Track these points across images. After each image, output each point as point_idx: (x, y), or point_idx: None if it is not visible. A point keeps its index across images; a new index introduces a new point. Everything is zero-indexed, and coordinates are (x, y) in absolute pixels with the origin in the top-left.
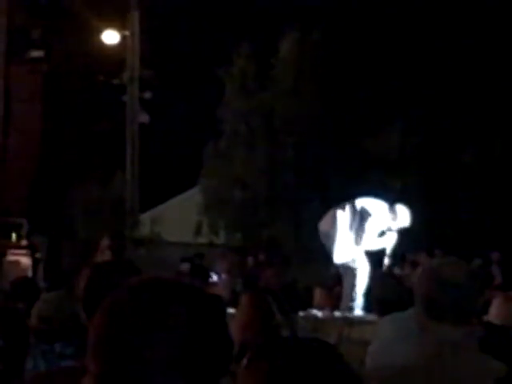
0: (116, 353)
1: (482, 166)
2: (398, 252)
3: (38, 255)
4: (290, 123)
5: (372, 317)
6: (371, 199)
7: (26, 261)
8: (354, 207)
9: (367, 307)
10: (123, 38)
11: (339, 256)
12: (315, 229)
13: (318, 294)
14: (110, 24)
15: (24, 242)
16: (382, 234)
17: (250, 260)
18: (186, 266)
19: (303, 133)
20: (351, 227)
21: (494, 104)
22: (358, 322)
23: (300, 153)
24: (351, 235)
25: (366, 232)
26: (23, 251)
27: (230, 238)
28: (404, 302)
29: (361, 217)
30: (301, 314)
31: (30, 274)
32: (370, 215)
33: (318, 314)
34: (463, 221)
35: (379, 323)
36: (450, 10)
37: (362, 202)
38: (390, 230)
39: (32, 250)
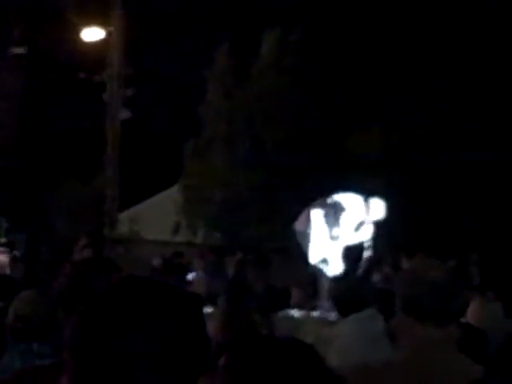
0: (92, 352)
1: (460, 167)
2: (377, 254)
3: (16, 253)
4: (270, 123)
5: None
6: (345, 194)
7: (3, 258)
8: (327, 203)
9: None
10: (105, 35)
11: (314, 255)
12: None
13: (295, 293)
14: (92, 21)
15: (2, 240)
16: (358, 227)
17: (229, 260)
18: (158, 262)
19: (283, 132)
20: (326, 223)
21: (474, 102)
22: (337, 322)
23: (280, 153)
24: (326, 231)
25: (342, 227)
26: (1, 249)
27: (209, 238)
28: (365, 303)
29: (335, 212)
30: (279, 314)
31: (7, 271)
32: (344, 209)
33: (296, 313)
34: (442, 221)
35: (338, 325)
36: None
37: (335, 197)
38: (365, 223)
39: (10, 247)
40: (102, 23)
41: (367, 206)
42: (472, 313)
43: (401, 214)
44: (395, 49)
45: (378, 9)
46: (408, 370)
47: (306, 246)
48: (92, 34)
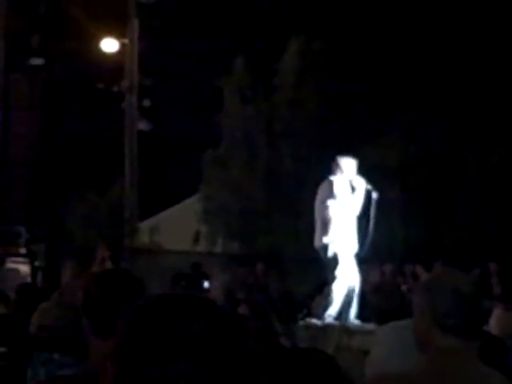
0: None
1: (482, 175)
2: (397, 263)
3: (36, 263)
4: (289, 132)
5: (370, 326)
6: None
7: (24, 269)
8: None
9: (361, 315)
10: (122, 45)
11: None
12: (313, 239)
13: (316, 303)
14: (110, 32)
15: (23, 250)
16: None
17: (249, 270)
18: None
19: (303, 142)
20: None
21: (494, 111)
22: (357, 330)
23: (299, 162)
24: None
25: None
26: (22, 259)
27: (229, 247)
28: (401, 312)
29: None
30: (300, 322)
31: (28, 281)
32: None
33: (317, 322)
34: (462, 230)
35: (378, 332)
36: (449, 17)
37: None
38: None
39: (31, 257)
40: (119, 33)
41: (338, 166)
42: (493, 323)
43: (418, 224)
44: (415, 57)
45: (399, 18)
46: (428, 381)
47: (326, 258)
48: (109, 44)
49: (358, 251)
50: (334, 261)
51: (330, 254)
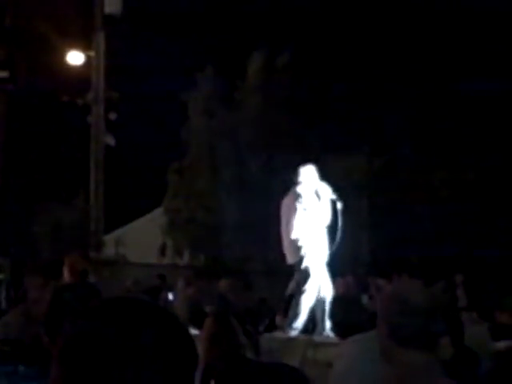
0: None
1: (448, 188)
2: (360, 275)
3: (0, 276)
4: (254, 144)
5: (336, 338)
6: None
7: None
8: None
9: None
10: (88, 58)
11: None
12: (280, 251)
13: (280, 316)
14: (75, 44)
15: None
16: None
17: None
18: (129, 282)
19: (268, 154)
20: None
21: (465, 124)
22: (322, 343)
23: (264, 174)
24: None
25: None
26: None
27: (194, 259)
28: (363, 324)
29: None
30: (265, 335)
31: None
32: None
33: (282, 335)
34: (427, 243)
35: (341, 345)
36: (419, 31)
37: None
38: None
39: None
40: (85, 46)
41: (296, 175)
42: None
43: (384, 236)
44: (382, 72)
45: (367, 30)
46: None
47: (299, 272)
48: (75, 57)
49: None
50: (306, 274)
51: (302, 267)
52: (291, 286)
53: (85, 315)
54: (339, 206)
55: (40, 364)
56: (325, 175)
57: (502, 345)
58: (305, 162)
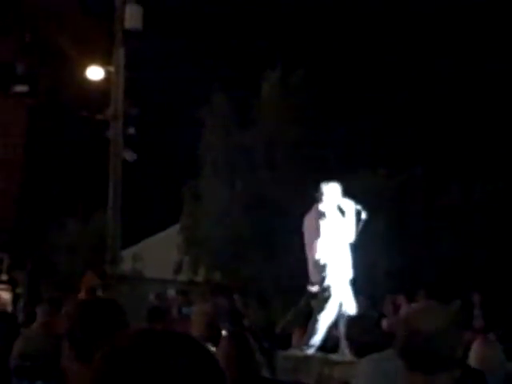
0: None
1: (463, 206)
2: (379, 293)
3: (18, 290)
4: (271, 162)
5: (352, 357)
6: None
7: (6, 295)
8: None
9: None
10: (107, 73)
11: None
12: (295, 269)
13: (297, 333)
14: (95, 60)
15: (4, 277)
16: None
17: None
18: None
19: (284, 172)
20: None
21: (476, 143)
22: (338, 362)
23: (281, 192)
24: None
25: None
26: (4, 286)
27: (210, 276)
28: (380, 344)
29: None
30: (281, 353)
31: (9, 308)
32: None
33: (298, 353)
34: (444, 261)
35: (358, 364)
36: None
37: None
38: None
39: (12, 284)
40: (105, 62)
41: (320, 193)
42: (473, 355)
43: (402, 256)
44: (396, 90)
45: (379, 49)
46: None
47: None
48: (95, 72)
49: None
50: (327, 293)
51: (325, 286)
52: (305, 302)
53: (122, 341)
54: (364, 215)
55: (57, 380)
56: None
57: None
58: (321, 178)
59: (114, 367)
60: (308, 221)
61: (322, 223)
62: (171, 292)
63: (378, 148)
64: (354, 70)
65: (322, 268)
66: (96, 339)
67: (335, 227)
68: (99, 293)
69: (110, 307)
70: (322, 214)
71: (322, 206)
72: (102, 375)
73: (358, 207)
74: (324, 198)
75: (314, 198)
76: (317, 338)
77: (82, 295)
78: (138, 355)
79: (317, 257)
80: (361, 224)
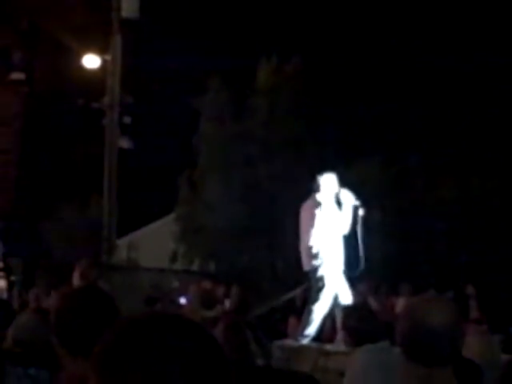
0: None
1: (458, 200)
2: (373, 283)
3: (13, 278)
4: (266, 152)
5: (347, 347)
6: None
7: (1, 283)
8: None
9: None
10: (104, 61)
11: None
12: (290, 258)
13: (292, 323)
14: (91, 48)
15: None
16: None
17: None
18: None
19: (279, 162)
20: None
21: (471, 138)
22: (334, 352)
23: (276, 182)
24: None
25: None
26: None
27: (205, 266)
28: (377, 334)
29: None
30: (276, 343)
31: (4, 296)
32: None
33: (293, 343)
34: (438, 253)
35: (354, 354)
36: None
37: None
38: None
39: (7, 272)
40: (100, 50)
41: (317, 184)
42: (467, 346)
43: (396, 246)
44: (394, 80)
45: (378, 37)
46: None
47: (314, 280)
48: (92, 60)
49: (350, 271)
50: (321, 283)
51: (318, 276)
52: (299, 292)
53: (124, 327)
54: (361, 212)
55: (50, 367)
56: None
57: (504, 357)
58: (316, 170)
59: (116, 352)
60: (304, 210)
61: (318, 213)
62: (175, 284)
63: (375, 138)
64: (351, 59)
65: (314, 256)
66: (83, 331)
67: (330, 218)
68: (94, 280)
69: (96, 297)
70: (318, 204)
71: (318, 196)
72: (104, 361)
73: (357, 203)
74: (321, 188)
75: (312, 188)
76: (312, 328)
77: (77, 283)
78: (143, 340)
79: (309, 245)
80: (359, 221)
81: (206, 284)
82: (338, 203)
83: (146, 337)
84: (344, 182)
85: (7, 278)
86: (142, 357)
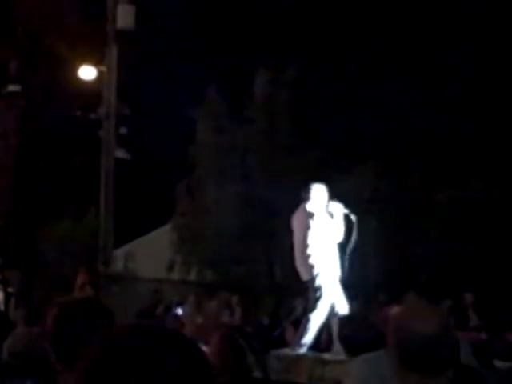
0: None
1: (455, 206)
2: (372, 292)
3: (10, 289)
4: (263, 161)
5: (344, 356)
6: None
7: None
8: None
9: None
10: (100, 73)
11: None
12: (288, 267)
13: (290, 332)
14: (87, 59)
15: None
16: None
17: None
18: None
19: (276, 171)
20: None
21: (468, 144)
22: (330, 361)
23: (272, 191)
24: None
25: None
26: None
27: (202, 275)
28: (372, 343)
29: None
30: (272, 352)
31: (1, 307)
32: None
33: (290, 353)
34: (437, 261)
35: (351, 363)
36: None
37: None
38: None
39: (4, 284)
40: (96, 61)
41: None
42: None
43: (392, 254)
44: (390, 87)
45: (371, 46)
46: None
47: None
48: (88, 71)
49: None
50: (319, 292)
51: (316, 285)
52: (299, 302)
53: (110, 338)
54: (353, 219)
55: (47, 379)
56: (333, 192)
57: (503, 364)
58: (313, 179)
59: (101, 365)
60: (296, 220)
61: (312, 222)
62: (175, 298)
63: (372, 145)
64: (347, 67)
65: (311, 266)
66: (78, 343)
67: (323, 228)
68: (88, 290)
69: (92, 308)
70: (310, 213)
71: (309, 206)
72: (89, 374)
73: (346, 211)
74: (311, 198)
75: (302, 197)
76: (308, 338)
77: (75, 294)
78: (127, 352)
79: (307, 254)
80: (354, 228)
81: (225, 295)
82: (329, 214)
83: (129, 351)
84: (340, 191)
85: (4, 289)
86: (125, 371)
